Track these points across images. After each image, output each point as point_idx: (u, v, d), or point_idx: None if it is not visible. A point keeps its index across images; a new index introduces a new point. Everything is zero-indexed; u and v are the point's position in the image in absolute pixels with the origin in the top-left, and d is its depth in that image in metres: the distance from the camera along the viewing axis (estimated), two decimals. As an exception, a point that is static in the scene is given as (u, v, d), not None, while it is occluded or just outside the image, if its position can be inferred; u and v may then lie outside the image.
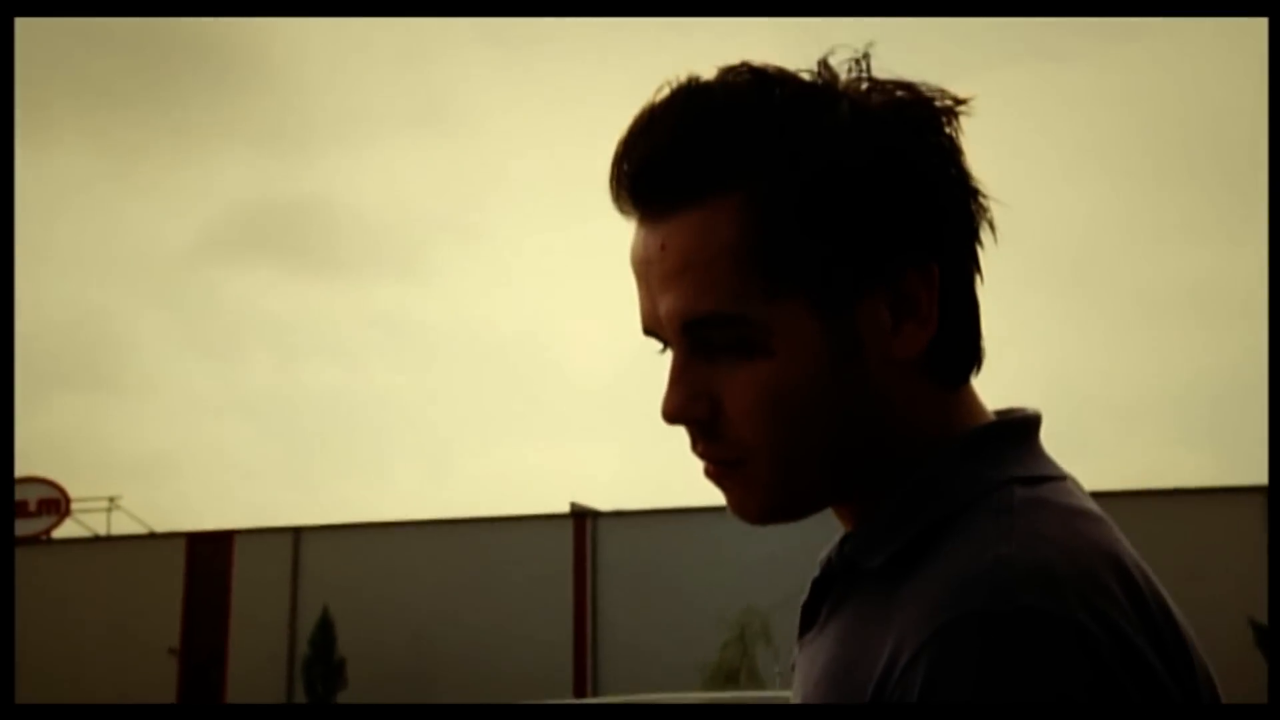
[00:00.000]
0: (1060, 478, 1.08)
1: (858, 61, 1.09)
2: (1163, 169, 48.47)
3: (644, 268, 1.08)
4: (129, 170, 51.46)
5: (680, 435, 1.12)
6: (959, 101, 1.09)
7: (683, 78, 1.07)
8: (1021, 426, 1.12)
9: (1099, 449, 48.22)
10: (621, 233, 1.12)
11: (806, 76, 1.08)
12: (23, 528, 35.04)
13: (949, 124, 1.08)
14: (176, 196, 51.02)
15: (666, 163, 1.05)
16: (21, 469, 38.73)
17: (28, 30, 49.68)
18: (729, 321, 1.04)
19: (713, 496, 1.18)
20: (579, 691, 30.34)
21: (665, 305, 1.07)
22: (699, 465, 1.13)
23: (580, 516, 32.60)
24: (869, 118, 1.05)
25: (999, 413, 1.14)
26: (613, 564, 31.78)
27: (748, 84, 1.06)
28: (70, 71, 51.00)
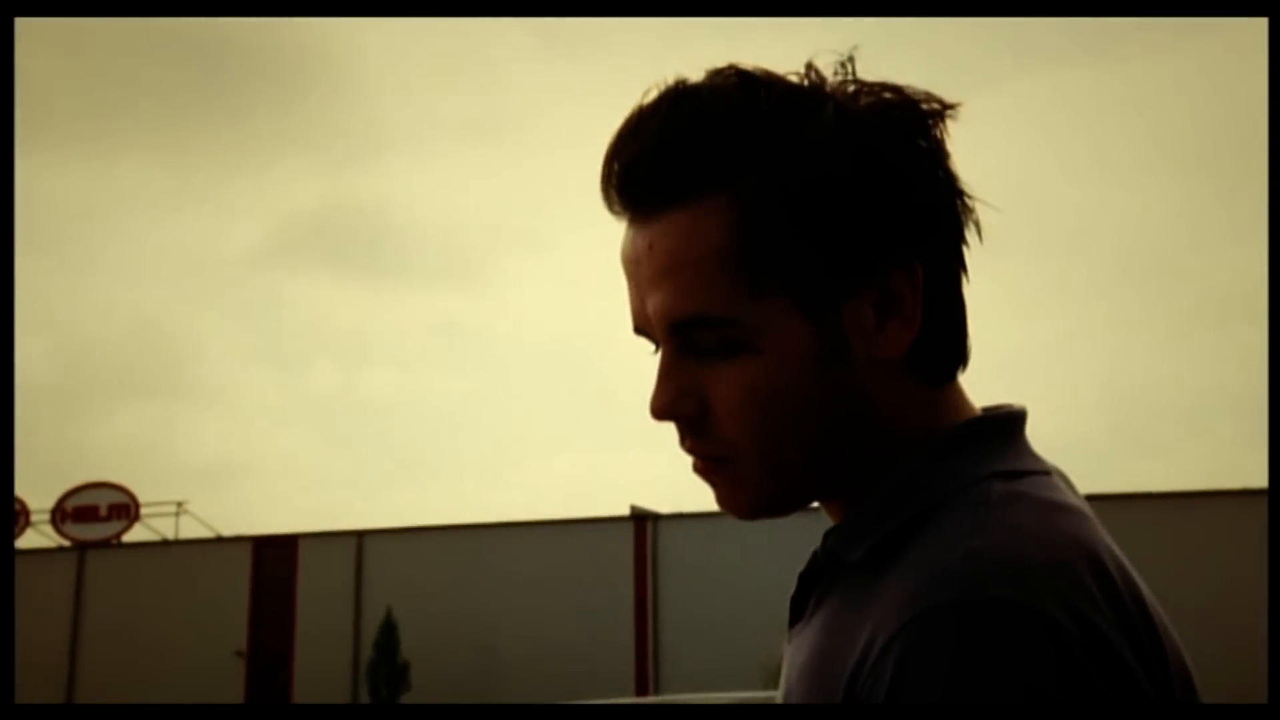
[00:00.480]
0: (1043, 472, 1.09)
1: (844, 65, 1.10)
2: (1223, 169, 48.00)
3: (633, 267, 1.10)
4: (192, 179, 52.12)
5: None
6: (946, 105, 1.10)
7: (671, 80, 1.08)
8: (1005, 422, 1.13)
9: (1161, 451, 47.78)
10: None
11: (794, 79, 1.09)
12: (94, 532, 35.57)
13: (935, 126, 1.09)
14: (240, 205, 51.63)
15: (654, 164, 1.06)
16: (92, 475, 39.38)
17: (87, 40, 50.40)
18: (716, 323, 1.06)
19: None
20: (640, 691, 30.43)
21: (653, 305, 1.08)
22: None
23: (641, 519, 32.70)
24: (854, 120, 1.06)
25: (985, 409, 1.15)
26: (673, 565, 31.87)
27: (734, 87, 1.07)
28: (132, 82, 51.72)
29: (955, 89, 1.11)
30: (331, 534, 35.10)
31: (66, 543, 35.94)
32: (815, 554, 1.13)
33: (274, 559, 35.00)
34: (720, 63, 1.09)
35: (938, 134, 1.09)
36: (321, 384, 53.71)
